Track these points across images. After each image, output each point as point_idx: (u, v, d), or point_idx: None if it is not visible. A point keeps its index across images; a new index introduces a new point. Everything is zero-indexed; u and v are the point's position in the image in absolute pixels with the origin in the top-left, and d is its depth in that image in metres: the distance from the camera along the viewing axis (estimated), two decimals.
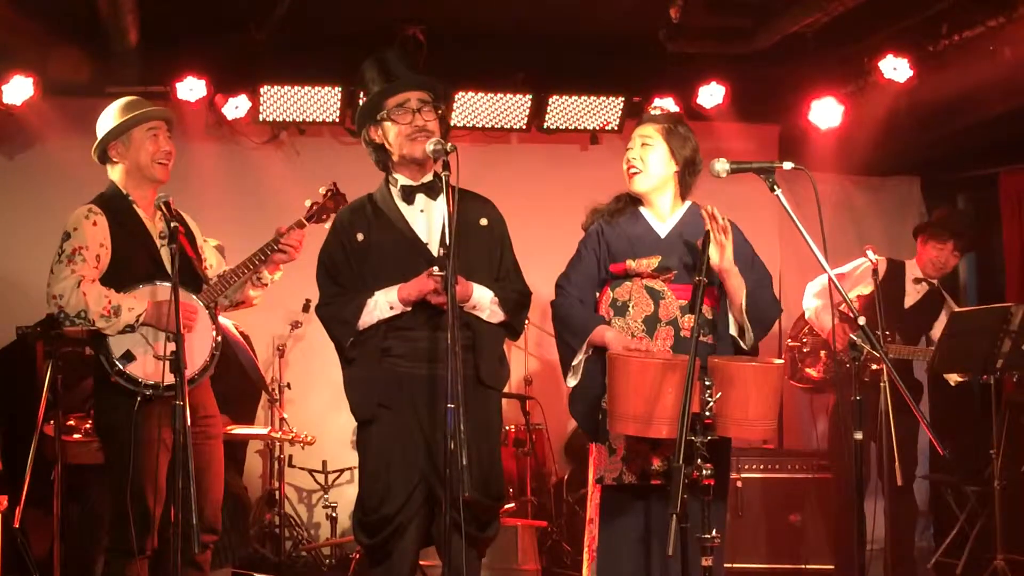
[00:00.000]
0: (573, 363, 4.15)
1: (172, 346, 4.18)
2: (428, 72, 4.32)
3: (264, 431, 6.75)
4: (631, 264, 4.18)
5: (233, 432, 6.23)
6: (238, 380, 6.25)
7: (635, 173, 4.26)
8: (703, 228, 4.07)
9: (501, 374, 4.29)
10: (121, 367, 4.50)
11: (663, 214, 4.27)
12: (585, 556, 5.04)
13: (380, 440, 4.15)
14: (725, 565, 4.34)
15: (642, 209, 4.30)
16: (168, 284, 4.59)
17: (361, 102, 4.45)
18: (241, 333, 6.35)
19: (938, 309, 6.30)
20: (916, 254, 6.30)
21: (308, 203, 4.82)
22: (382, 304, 4.11)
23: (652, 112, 4.45)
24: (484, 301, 4.19)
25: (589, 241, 4.31)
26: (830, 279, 3.89)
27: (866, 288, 6.04)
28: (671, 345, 4.12)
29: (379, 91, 4.21)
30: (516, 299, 4.29)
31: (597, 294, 4.28)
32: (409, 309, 4.11)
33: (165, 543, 4.57)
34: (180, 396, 4.04)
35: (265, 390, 6.95)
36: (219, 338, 4.78)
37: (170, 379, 4.44)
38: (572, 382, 4.18)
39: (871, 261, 5.99)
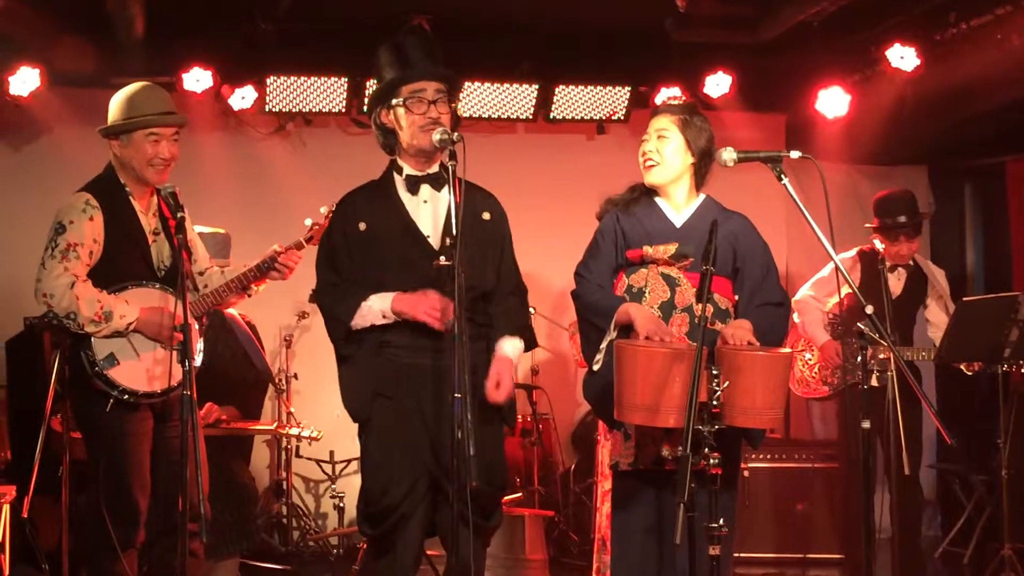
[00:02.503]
0: (602, 345, 4.12)
1: (172, 342, 4.19)
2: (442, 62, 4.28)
3: (270, 427, 6.72)
4: (648, 250, 4.17)
5: (238, 427, 6.21)
6: (245, 371, 6.24)
7: (651, 166, 4.25)
8: (715, 219, 4.07)
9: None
10: (101, 369, 4.47)
11: (679, 204, 4.27)
12: (595, 544, 5.04)
13: (382, 430, 4.15)
14: (733, 554, 4.34)
15: (657, 199, 4.30)
16: (158, 287, 4.60)
17: (373, 86, 4.40)
18: (247, 323, 6.34)
19: (924, 287, 6.27)
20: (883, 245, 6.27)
21: (308, 223, 4.77)
22: (375, 311, 4.08)
23: (668, 102, 4.42)
24: (518, 354, 4.24)
25: (606, 230, 4.29)
26: (836, 267, 3.88)
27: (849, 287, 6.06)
28: (686, 332, 4.12)
29: (396, 77, 4.17)
30: (526, 319, 4.32)
31: (614, 282, 4.27)
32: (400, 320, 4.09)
33: (157, 535, 4.58)
34: (188, 386, 4.03)
35: (272, 383, 6.93)
36: (202, 350, 4.78)
37: (147, 388, 4.51)
38: (598, 366, 4.14)
39: (879, 250, 5.99)
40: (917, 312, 6.28)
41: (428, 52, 4.21)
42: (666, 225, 4.23)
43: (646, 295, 4.17)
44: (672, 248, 4.15)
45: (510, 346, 4.22)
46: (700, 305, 4.04)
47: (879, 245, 6.18)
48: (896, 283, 6.12)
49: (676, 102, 4.41)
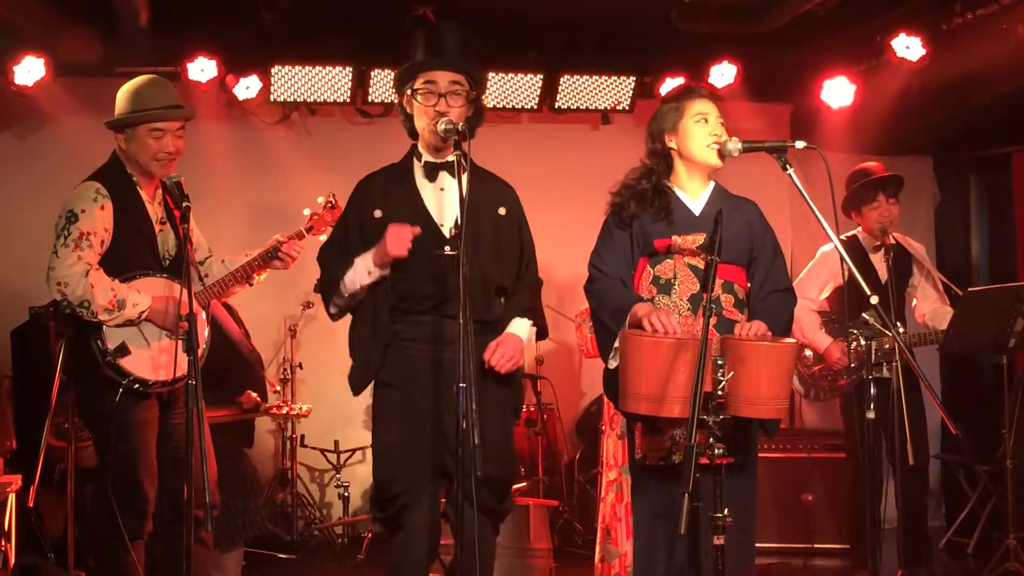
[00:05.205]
0: (615, 345, 4.03)
1: (175, 339, 4.20)
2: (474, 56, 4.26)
3: (254, 407, 6.58)
4: (676, 240, 4.09)
5: (225, 412, 6.15)
6: (235, 356, 6.17)
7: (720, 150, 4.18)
8: (730, 207, 4.04)
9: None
10: (113, 359, 4.48)
11: (695, 192, 4.19)
12: (599, 533, 5.03)
13: (389, 420, 4.19)
14: (754, 543, 4.27)
15: (674, 188, 4.20)
16: (164, 276, 4.62)
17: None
18: (225, 304, 6.25)
19: (909, 264, 6.18)
20: (859, 228, 6.17)
21: (307, 212, 4.82)
22: (361, 269, 4.13)
23: (708, 91, 4.34)
24: (528, 335, 4.27)
25: (616, 219, 4.20)
26: (841, 256, 3.88)
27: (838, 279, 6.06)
28: (714, 324, 3.96)
29: (412, 64, 4.19)
30: (538, 306, 4.34)
31: (632, 271, 4.18)
32: (387, 272, 4.11)
33: (164, 524, 4.59)
34: (193, 375, 4.04)
35: (258, 364, 6.79)
36: (209, 340, 4.81)
37: (157, 376, 4.52)
38: (613, 364, 4.06)
39: (860, 235, 5.97)
40: (906, 291, 6.22)
41: (455, 42, 4.19)
42: (686, 214, 4.15)
43: (675, 287, 4.09)
44: (700, 238, 4.06)
45: (519, 325, 4.25)
46: (730, 296, 4.05)
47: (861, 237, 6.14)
48: (882, 266, 6.00)
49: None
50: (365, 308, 4.20)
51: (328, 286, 4.24)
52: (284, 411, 6.64)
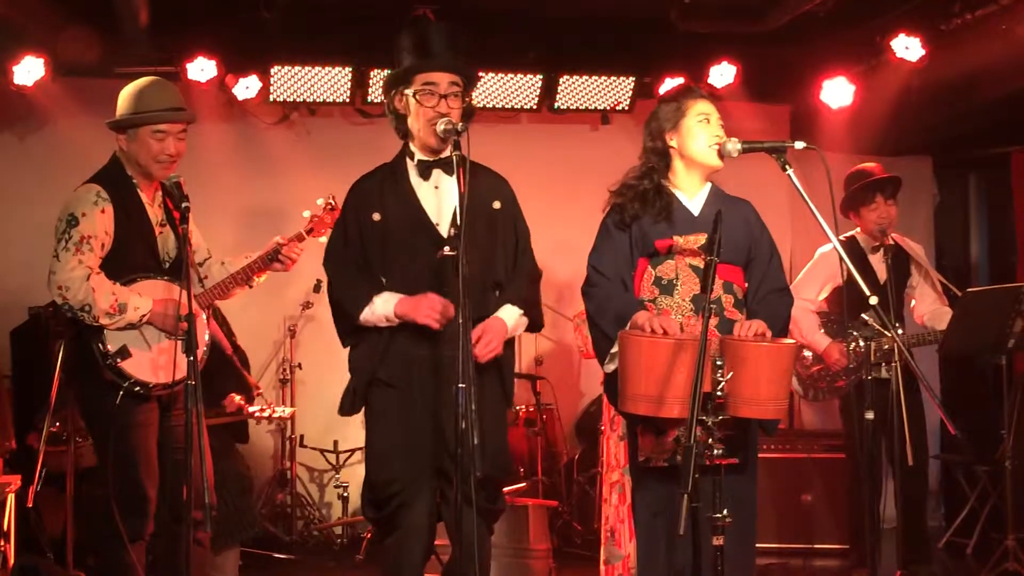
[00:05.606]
0: (612, 351, 4.02)
1: (176, 340, 4.19)
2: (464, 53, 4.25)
3: (233, 411, 6.51)
4: (678, 240, 4.07)
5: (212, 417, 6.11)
6: (213, 357, 6.11)
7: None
8: (727, 207, 4.01)
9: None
10: (114, 362, 4.48)
11: (692, 192, 4.17)
12: (603, 535, 5.01)
13: (385, 418, 4.18)
14: (755, 544, 4.27)
15: (672, 189, 4.18)
16: (165, 279, 4.61)
17: (392, 68, 4.36)
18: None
19: (908, 265, 6.15)
20: (857, 228, 6.14)
21: (307, 214, 4.82)
22: (379, 314, 4.11)
23: (705, 91, 4.32)
24: (515, 323, 4.22)
25: (617, 219, 4.17)
26: (840, 257, 3.87)
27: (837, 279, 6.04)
28: (716, 324, 3.99)
29: (412, 65, 4.16)
30: (533, 296, 4.30)
31: (632, 271, 4.14)
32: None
33: (162, 525, 4.59)
34: (193, 376, 4.04)
35: (243, 365, 6.74)
36: (209, 342, 4.81)
37: (158, 379, 4.52)
38: (610, 368, 4.05)
39: (858, 236, 5.96)
40: (905, 292, 6.21)
41: (449, 42, 4.18)
42: (686, 214, 4.13)
43: (678, 287, 4.07)
44: (701, 238, 4.04)
45: (507, 311, 4.21)
46: (730, 297, 4.04)
47: (859, 237, 6.13)
48: (880, 266, 5.95)
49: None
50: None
51: (342, 320, 4.22)
52: (267, 413, 6.58)
